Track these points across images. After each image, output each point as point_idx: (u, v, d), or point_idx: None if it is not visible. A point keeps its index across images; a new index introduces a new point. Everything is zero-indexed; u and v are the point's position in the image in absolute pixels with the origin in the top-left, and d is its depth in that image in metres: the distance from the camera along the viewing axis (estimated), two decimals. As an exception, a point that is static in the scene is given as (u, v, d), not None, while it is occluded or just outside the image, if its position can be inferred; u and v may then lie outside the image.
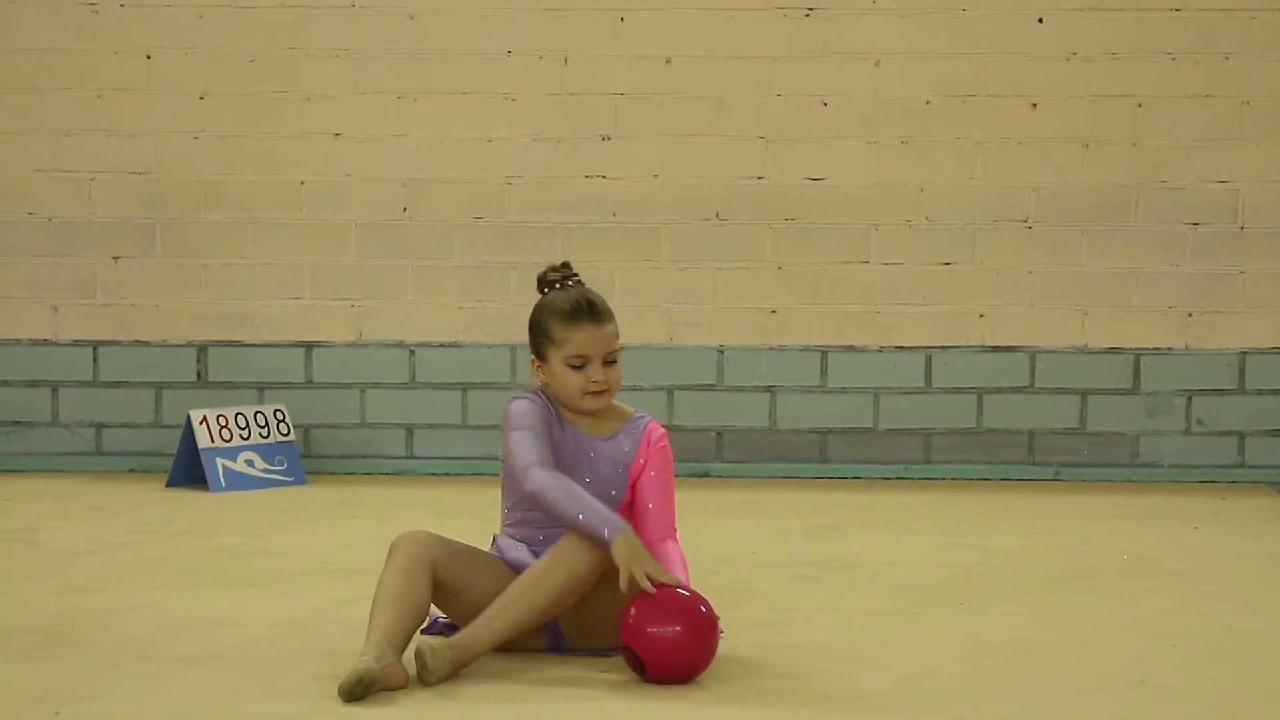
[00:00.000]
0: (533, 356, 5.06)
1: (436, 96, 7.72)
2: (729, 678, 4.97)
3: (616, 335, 5.06)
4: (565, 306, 5.00)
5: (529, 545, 5.03)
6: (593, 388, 5.01)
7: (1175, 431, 7.84)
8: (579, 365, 4.99)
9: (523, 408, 5.00)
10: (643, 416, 5.18)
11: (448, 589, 4.89)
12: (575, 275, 5.09)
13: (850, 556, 6.46)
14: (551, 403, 5.06)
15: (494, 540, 5.12)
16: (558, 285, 5.05)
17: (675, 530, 5.12)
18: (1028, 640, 5.38)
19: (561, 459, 5.01)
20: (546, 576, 4.82)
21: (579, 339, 4.98)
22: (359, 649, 5.06)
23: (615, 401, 5.14)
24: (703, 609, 4.77)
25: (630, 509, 5.08)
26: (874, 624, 5.58)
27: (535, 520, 5.02)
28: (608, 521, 4.76)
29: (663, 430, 5.16)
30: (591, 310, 5.01)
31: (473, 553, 4.96)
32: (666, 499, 5.11)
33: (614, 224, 7.78)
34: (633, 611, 4.72)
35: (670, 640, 4.70)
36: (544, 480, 4.84)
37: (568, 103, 7.74)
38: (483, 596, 4.88)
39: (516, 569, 4.95)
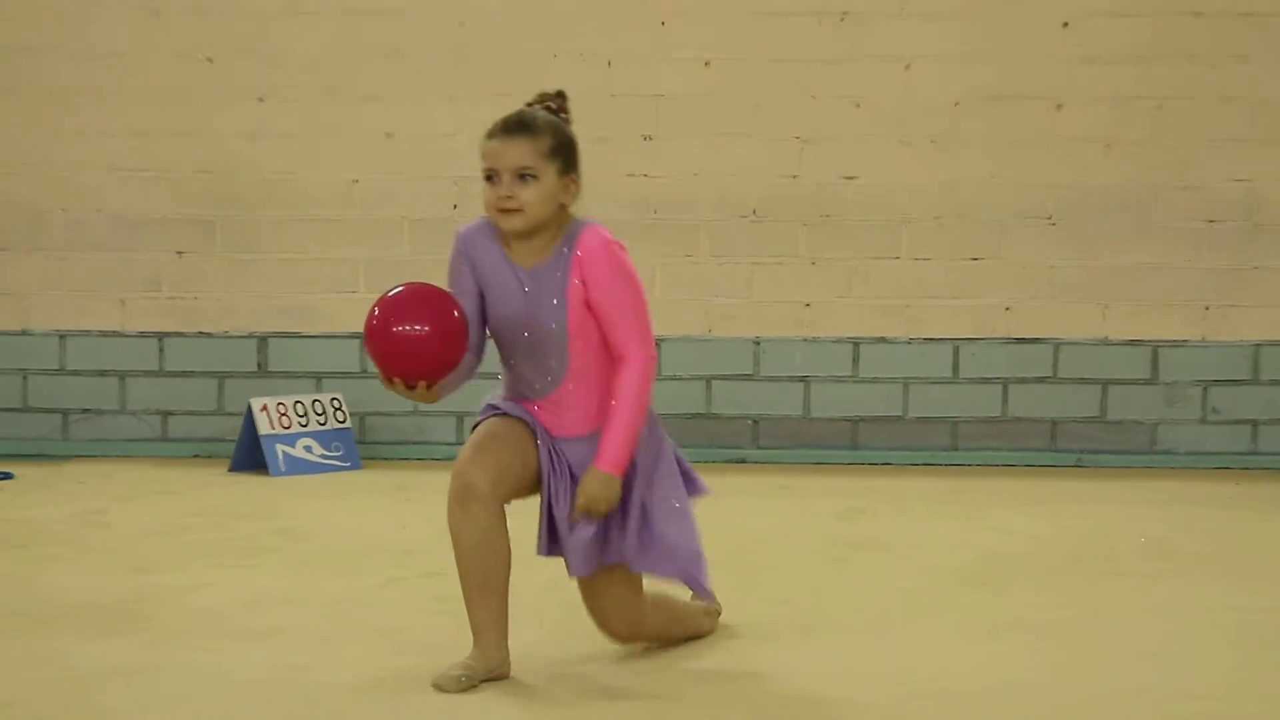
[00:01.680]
0: None
1: (484, 98, 7.74)
2: (762, 653, 5.00)
3: (535, 154, 4.56)
4: (492, 123, 4.60)
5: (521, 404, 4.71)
6: (499, 203, 4.57)
7: (1192, 420, 7.84)
8: (490, 178, 4.57)
9: (452, 248, 4.67)
10: (577, 227, 4.66)
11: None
12: (553, 102, 4.68)
13: (880, 539, 6.48)
14: (497, 228, 4.67)
15: (485, 406, 4.75)
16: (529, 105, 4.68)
17: (644, 341, 4.63)
18: (1050, 619, 5.40)
19: (498, 288, 4.64)
20: None
21: (486, 150, 4.58)
22: (410, 625, 5.11)
23: (572, 217, 4.67)
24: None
25: (585, 331, 4.62)
26: (902, 603, 5.61)
27: (523, 381, 4.68)
28: None
29: (599, 237, 4.63)
30: (504, 125, 4.58)
31: (513, 447, 4.64)
32: (620, 305, 4.62)
33: (655, 220, 7.81)
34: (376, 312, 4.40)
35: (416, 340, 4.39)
36: None
37: (610, 104, 7.77)
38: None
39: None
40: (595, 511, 4.61)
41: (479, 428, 4.71)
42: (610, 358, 4.65)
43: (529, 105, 4.68)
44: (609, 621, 4.86)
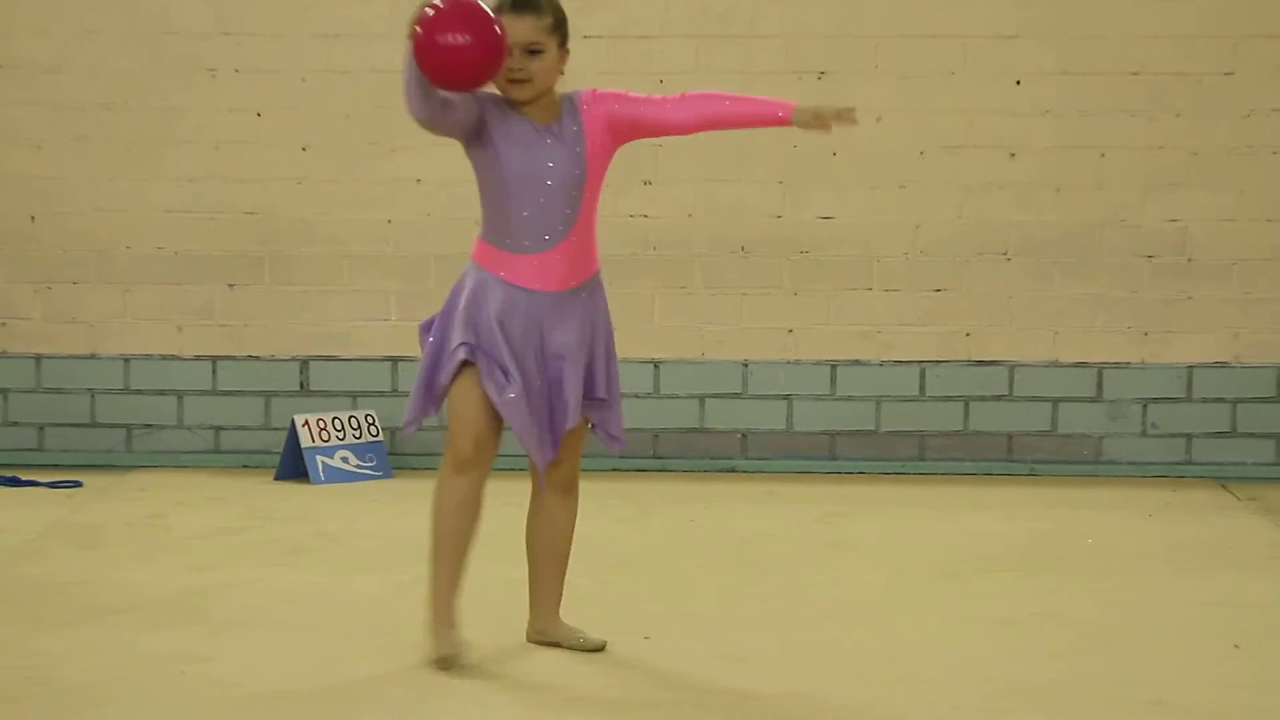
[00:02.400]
0: None
1: (503, 148, 7.74)
2: (750, 640, 4.98)
3: (543, 28, 4.55)
4: (498, 1, 4.56)
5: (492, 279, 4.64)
6: (509, 74, 4.54)
7: (1133, 434, 7.82)
8: None
9: (480, 95, 4.62)
10: (571, 93, 4.68)
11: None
12: None
13: (855, 540, 6.47)
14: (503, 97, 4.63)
15: (465, 274, 4.72)
16: None
17: (670, 97, 4.74)
18: (1008, 612, 5.39)
19: (519, 145, 4.59)
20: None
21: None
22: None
23: (560, 91, 4.67)
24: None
25: (596, 185, 4.65)
26: (875, 597, 5.59)
27: (529, 235, 4.61)
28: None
29: (590, 90, 4.67)
30: (513, 2, 4.55)
31: (487, 410, 4.64)
32: (643, 98, 4.70)
33: (655, 256, 7.80)
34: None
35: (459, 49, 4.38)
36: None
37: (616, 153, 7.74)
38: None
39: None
40: (839, 118, 4.67)
41: (457, 393, 4.67)
42: (592, 222, 4.66)
43: None
44: (561, 468, 4.76)
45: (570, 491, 4.84)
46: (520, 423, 4.60)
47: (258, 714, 4.34)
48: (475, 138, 4.67)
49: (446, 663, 4.65)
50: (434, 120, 4.57)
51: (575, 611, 5.07)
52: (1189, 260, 7.75)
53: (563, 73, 4.66)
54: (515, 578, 5.05)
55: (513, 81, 4.57)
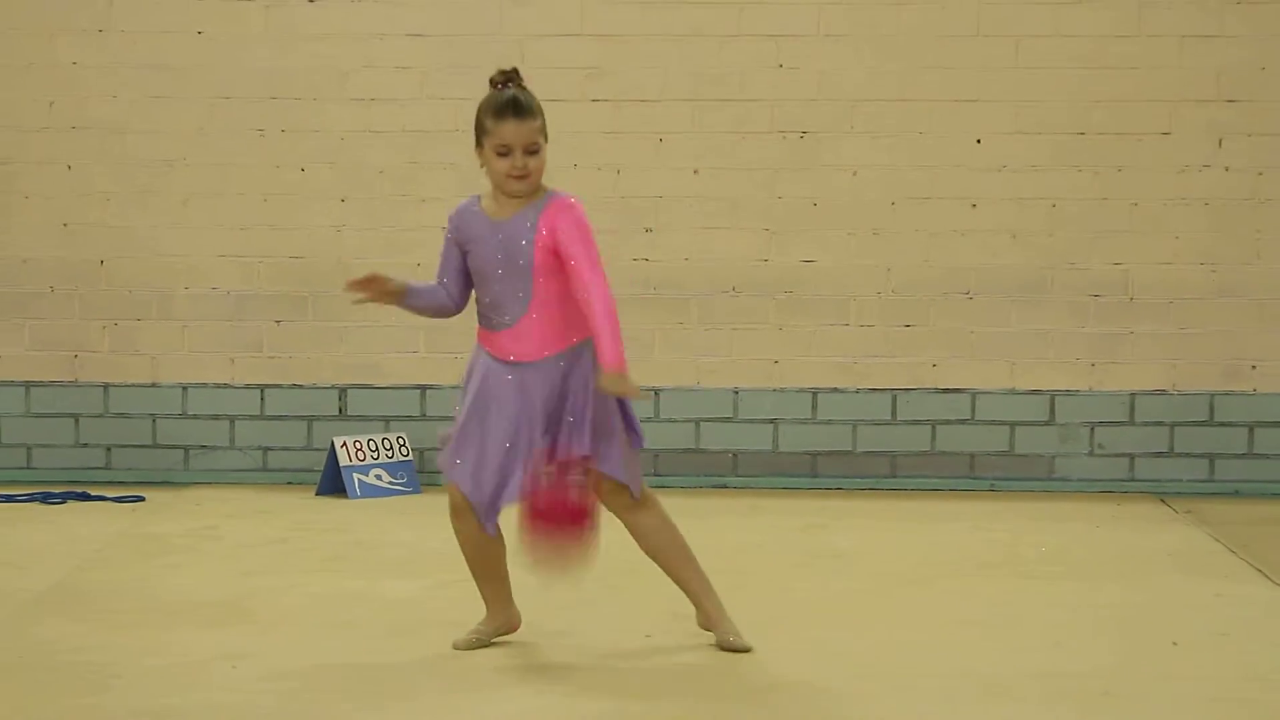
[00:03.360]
0: (476, 145, 4.71)
1: (520, 199, 7.73)
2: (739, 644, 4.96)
3: (539, 130, 4.64)
4: (497, 104, 4.62)
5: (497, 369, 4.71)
6: (514, 172, 4.63)
7: (1082, 454, 7.80)
8: (504, 153, 4.62)
9: (450, 222, 4.77)
10: (550, 194, 4.70)
11: None
12: (516, 80, 4.68)
13: (835, 549, 6.45)
14: (481, 200, 4.75)
15: (473, 356, 4.81)
16: (499, 86, 4.67)
17: (599, 273, 4.62)
18: (971, 614, 5.37)
19: (478, 242, 4.69)
20: None
21: (504, 131, 4.60)
22: (460, 619, 5.08)
23: (547, 185, 4.73)
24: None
25: (547, 270, 4.62)
26: (853, 601, 5.57)
27: (495, 313, 4.71)
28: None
29: (567, 200, 4.67)
30: (516, 107, 4.61)
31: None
32: (580, 246, 4.61)
33: (654, 296, 7.79)
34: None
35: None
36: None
37: (619, 203, 7.76)
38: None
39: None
40: (629, 394, 4.57)
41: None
42: (565, 298, 4.64)
43: (493, 77, 4.68)
44: (611, 496, 4.74)
45: (636, 509, 4.82)
46: (467, 487, 4.69)
47: (300, 703, 4.32)
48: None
49: (459, 645, 4.83)
50: (461, 297, 4.89)
51: (586, 611, 5.06)
52: (1131, 299, 7.74)
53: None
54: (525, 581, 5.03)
55: (514, 178, 4.65)
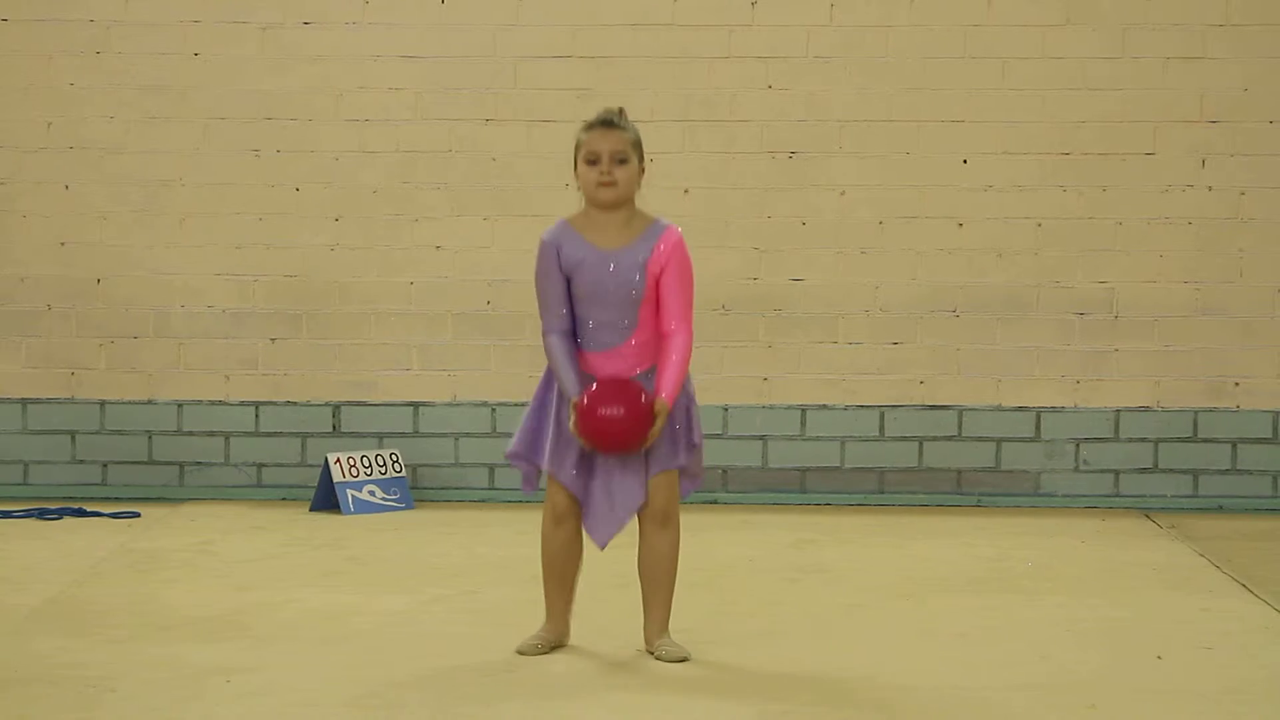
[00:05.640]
0: (573, 170, 4.82)
1: (513, 218, 7.75)
2: (731, 654, 4.96)
3: (628, 142, 4.75)
4: (589, 120, 4.81)
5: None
6: (602, 179, 4.73)
7: (1067, 470, 7.81)
8: (592, 161, 4.74)
9: (540, 249, 4.81)
10: (663, 223, 4.84)
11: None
12: (618, 114, 4.81)
13: (823, 563, 6.45)
14: (573, 225, 4.82)
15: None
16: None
17: (688, 320, 4.83)
18: (957, 627, 5.37)
19: (584, 269, 4.76)
20: None
21: (591, 139, 4.75)
22: (452, 632, 5.08)
23: (643, 211, 4.86)
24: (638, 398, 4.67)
25: (648, 304, 4.79)
26: (842, 614, 5.57)
27: (597, 337, 4.81)
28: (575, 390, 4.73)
29: (678, 234, 4.82)
30: (604, 120, 4.78)
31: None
32: (680, 293, 4.79)
33: (645, 314, 7.79)
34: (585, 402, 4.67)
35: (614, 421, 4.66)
36: (550, 348, 4.79)
37: (611, 223, 7.75)
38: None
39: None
40: (660, 428, 4.76)
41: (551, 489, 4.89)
42: (655, 324, 4.81)
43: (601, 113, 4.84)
44: (656, 502, 4.84)
45: (666, 525, 4.90)
46: (579, 491, 4.85)
47: (294, 717, 4.32)
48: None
49: (524, 650, 4.90)
50: (574, 326, 4.87)
51: (581, 624, 5.06)
52: (1116, 317, 7.76)
53: (640, 187, 4.84)
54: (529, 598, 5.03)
55: (602, 185, 4.76)
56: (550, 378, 4.90)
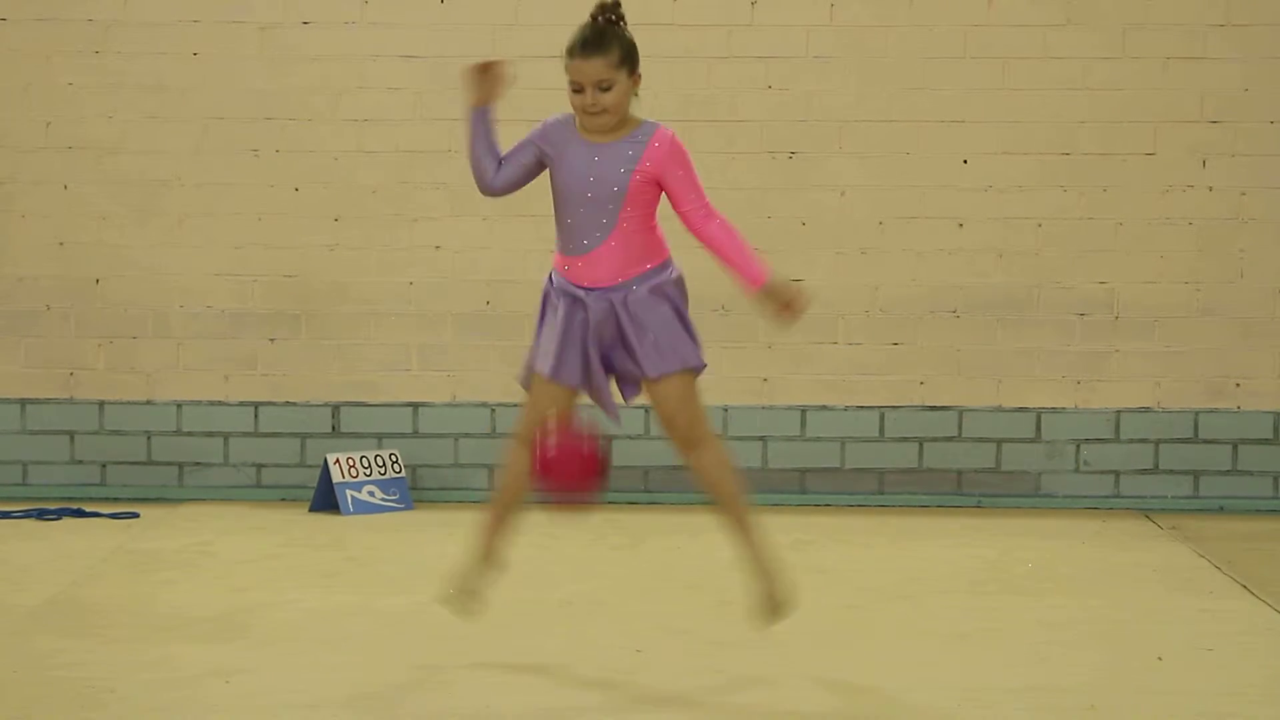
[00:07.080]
0: None
1: (512, 219, 7.75)
2: (730, 656, 4.96)
3: (611, 65, 4.61)
4: (570, 40, 4.65)
5: (565, 294, 4.77)
6: (587, 109, 4.64)
7: (1067, 471, 7.82)
8: (578, 90, 4.64)
9: (541, 125, 4.73)
10: (651, 125, 4.73)
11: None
12: (609, 13, 4.66)
13: (823, 565, 6.46)
14: (575, 121, 4.70)
15: (548, 280, 4.84)
16: (593, 19, 4.68)
17: (711, 205, 4.79)
18: (957, 629, 5.38)
19: (568, 159, 4.67)
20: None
21: (571, 69, 4.63)
22: (458, 635, 5.08)
23: (636, 116, 4.74)
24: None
25: (638, 201, 4.71)
26: (842, 616, 5.58)
27: (574, 237, 4.72)
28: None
29: (671, 132, 4.72)
30: (582, 46, 4.62)
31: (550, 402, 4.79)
32: (694, 184, 4.74)
33: (645, 314, 7.79)
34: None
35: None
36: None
37: (610, 223, 7.76)
38: None
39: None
40: (797, 300, 4.76)
41: (531, 391, 4.81)
42: (645, 227, 4.74)
43: (594, 15, 4.67)
44: (675, 420, 4.85)
45: (696, 445, 4.85)
46: (550, 369, 4.75)
47: (293, 718, 4.32)
48: (540, 168, 4.78)
49: (456, 599, 4.78)
50: (505, 194, 4.79)
51: (576, 627, 5.06)
52: (1116, 318, 7.77)
53: (637, 94, 4.73)
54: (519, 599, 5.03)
55: (590, 114, 4.65)
56: (545, 297, 4.83)
